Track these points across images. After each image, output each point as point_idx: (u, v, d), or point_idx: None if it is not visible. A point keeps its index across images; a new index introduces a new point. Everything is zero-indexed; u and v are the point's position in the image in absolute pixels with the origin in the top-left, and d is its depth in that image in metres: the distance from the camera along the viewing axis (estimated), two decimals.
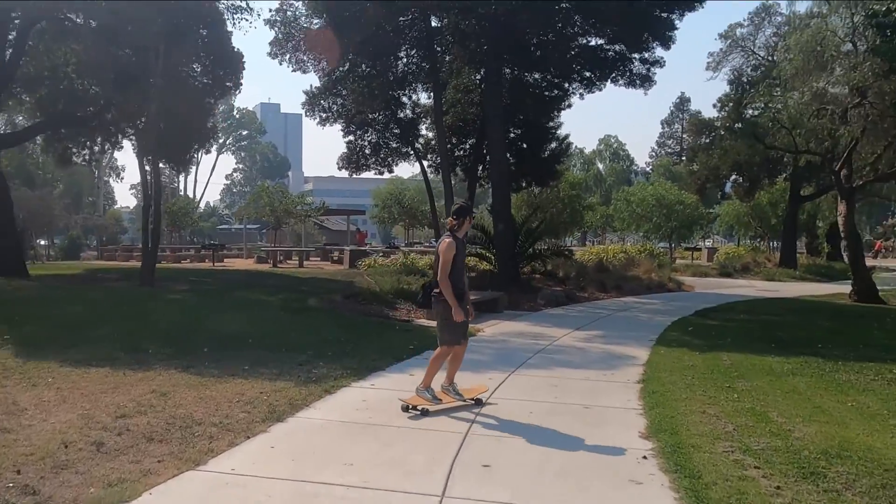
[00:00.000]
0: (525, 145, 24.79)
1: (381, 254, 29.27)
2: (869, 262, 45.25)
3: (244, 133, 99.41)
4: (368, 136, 25.85)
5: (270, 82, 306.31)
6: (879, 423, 6.02)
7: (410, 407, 6.33)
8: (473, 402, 6.63)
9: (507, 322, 13.35)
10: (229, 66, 23.89)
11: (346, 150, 26.15)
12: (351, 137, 25.71)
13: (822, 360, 8.96)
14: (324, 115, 25.27)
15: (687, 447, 5.18)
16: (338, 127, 26.45)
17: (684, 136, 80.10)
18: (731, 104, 32.25)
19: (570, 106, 23.77)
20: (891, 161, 19.17)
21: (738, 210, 40.45)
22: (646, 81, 19.72)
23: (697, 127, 33.90)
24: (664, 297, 19.42)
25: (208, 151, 64.41)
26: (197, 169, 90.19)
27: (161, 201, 21.46)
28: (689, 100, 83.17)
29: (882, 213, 57.11)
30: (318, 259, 33.60)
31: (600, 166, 76.16)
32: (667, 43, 18.44)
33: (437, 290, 6.54)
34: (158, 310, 12.08)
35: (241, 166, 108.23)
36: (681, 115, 79.71)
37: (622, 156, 76.58)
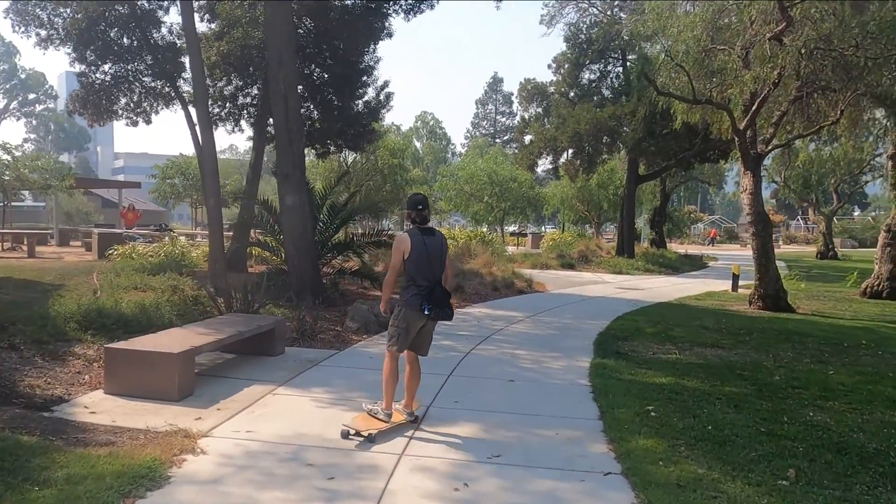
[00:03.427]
0: (332, 94, 17.59)
1: (147, 239, 20.78)
2: (698, 249, 43.33)
3: (31, 97, 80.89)
4: (110, 68, 17.10)
5: None
6: None
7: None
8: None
9: (281, 391, 6.15)
10: None
11: (78, 88, 17.23)
12: (83, 67, 16.80)
13: None
14: (43, 33, 16.32)
15: None
16: (67, 52, 17.33)
17: (497, 117, 76.81)
18: (567, 65, 27.24)
19: (390, 35, 16.77)
20: (797, 119, 14.44)
21: (564, 192, 36.09)
22: None
23: (530, 93, 28.54)
24: (522, 305, 13.26)
25: None
26: None
27: None
28: (502, 80, 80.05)
29: (692, 197, 56.40)
30: (79, 244, 24.08)
31: (418, 144, 70.28)
32: None
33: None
34: None
35: (32, 136, 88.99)
36: (495, 96, 76.14)
37: (439, 134, 71.15)
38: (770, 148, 14.43)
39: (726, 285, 19.37)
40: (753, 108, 12.99)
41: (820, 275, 24.66)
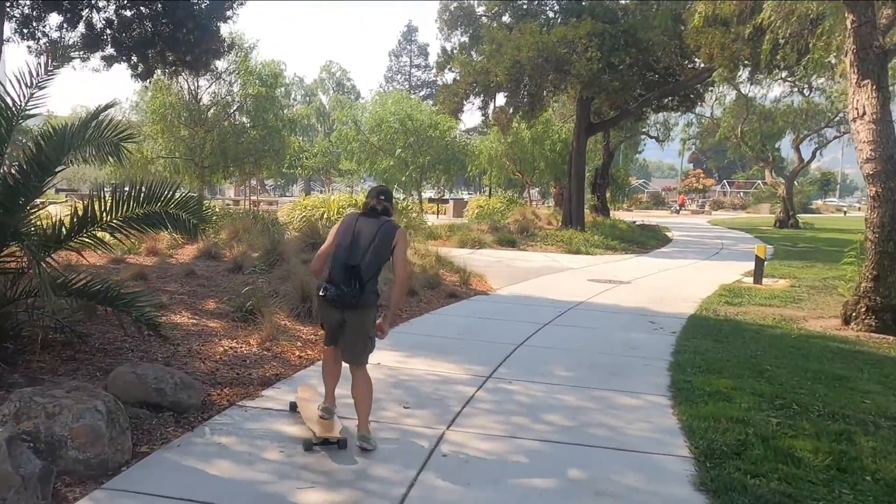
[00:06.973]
0: None
1: None
2: (641, 215, 37.79)
3: None
4: None
5: None
6: None
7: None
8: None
9: None
10: None
11: None
12: None
13: None
14: None
15: None
16: None
17: (413, 70, 69.52)
18: None
19: None
20: None
21: (493, 149, 29.65)
22: None
23: (453, 16, 21.71)
24: (462, 337, 6.78)
25: None
26: None
27: None
28: (416, 29, 72.59)
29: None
30: None
31: (324, 98, 62.08)
32: None
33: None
34: None
35: None
36: (409, 47, 68.59)
37: (347, 87, 63.04)
38: None
39: (727, 270, 13.69)
40: None
41: (808, 251, 19.50)
